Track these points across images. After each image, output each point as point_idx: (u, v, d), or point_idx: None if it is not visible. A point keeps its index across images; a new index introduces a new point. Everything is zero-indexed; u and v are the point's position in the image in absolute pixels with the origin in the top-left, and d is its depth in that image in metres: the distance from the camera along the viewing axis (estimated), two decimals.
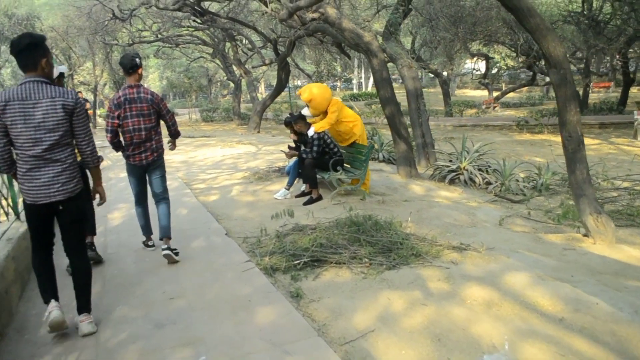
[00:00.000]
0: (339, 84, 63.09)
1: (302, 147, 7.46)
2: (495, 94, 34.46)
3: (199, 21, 18.20)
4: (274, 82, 58.40)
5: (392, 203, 7.02)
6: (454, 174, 8.88)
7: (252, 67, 22.20)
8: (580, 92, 25.20)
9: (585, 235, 5.14)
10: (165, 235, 4.80)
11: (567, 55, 19.91)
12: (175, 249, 4.83)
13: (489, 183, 8.80)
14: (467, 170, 8.88)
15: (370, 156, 8.00)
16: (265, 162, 11.07)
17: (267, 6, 7.60)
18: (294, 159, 7.61)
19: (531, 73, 28.72)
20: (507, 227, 6.08)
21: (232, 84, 48.35)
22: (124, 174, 10.16)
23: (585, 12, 20.19)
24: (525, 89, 37.86)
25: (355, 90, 53.51)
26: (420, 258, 4.44)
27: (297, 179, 7.54)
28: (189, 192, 8.22)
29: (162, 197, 4.96)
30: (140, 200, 5.05)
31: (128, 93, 4.58)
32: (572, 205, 6.96)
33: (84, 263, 3.48)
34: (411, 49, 27.33)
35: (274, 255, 4.66)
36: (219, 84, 47.42)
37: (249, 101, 42.28)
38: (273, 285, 4.00)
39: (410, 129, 10.00)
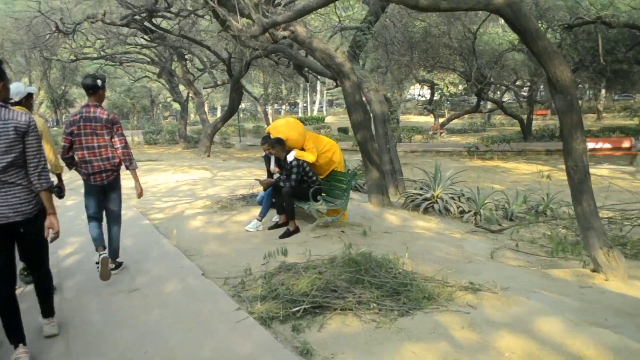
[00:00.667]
0: (283, 107, 62.98)
1: (277, 175, 6.93)
2: (440, 120, 35.17)
3: (147, 38, 17.37)
4: (219, 104, 57.28)
5: (373, 235, 6.58)
6: (428, 202, 8.57)
7: (203, 88, 21.41)
8: (525, 120, 25.99)
9: (594, 270, 4.87)
10: (114, 255, 5.11)
11: (514, 83, 20.38)
12: (119, 263, 5.17)
13: (463, 212, 8.56)
14: (441, 199, 8.59)
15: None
16: (225, 189, 10.42)
17: (237, 22, 7.08)
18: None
19: (474, 100, 29.56)
20: (500, 261, 5.76)
21: (175, 106, 47.28)
22: (71, 200, 9.32)
23: None
24: (467, 115, 38.86)
25: (300, 114, 53.40)
26: (433, 301, 3.99)
27: (270, 209, 6.97)
28: (148, 223, 7.48)
29: (117, 217, 5.09)
30: (95, 218, 4.99)
31: (84, 111, 4.68)
32: (564, 237, 6.79)
33: (45, 273, 3.60)
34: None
35: (266, 300, 4.08)
36: (160, 105, 46.05)
37: (193, 123, 41.22)
38: (276, 340, 3.43)
39: None
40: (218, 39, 18.54)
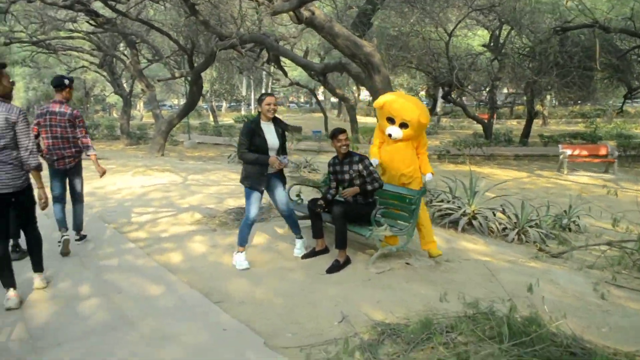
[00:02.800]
0: (224, 104, 60.42)
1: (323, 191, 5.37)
2: None
3: (93, 23, 15.09)
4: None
5: (441, 267, 5.17)
6: (465, 218, 7.28)
7: (158, 80, 19.23)
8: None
9: None
10: (78, 228, 5.83)
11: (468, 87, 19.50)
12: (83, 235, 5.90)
13: (505, 229, 7.35)
14: (480, 214, 7.33)
15: None
16: (209, 198, 8.68)
17: None
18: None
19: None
20: (619, 303, 4.51)
21: (109, 99, 43.93)
22: None
23: (492, 46, 20.34)
24: None
25: (243, 112, 51.06)
26: None
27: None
28: (134, 247, 5.71)
29: (79, 199, 5.74)
30: (60, 200, 5.59)
31: (51, 106, 5.38)
32: None
33: (33, 231, 4.28)
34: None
35: None
36: (92, 99, 42.56)
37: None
38: None
39: None
40: (170, 28, 16.60)
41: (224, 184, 10.27)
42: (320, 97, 42.79)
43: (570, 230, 8.40)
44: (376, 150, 5.58)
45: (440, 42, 19.16)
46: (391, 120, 5.21)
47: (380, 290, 4.26)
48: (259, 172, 4.95)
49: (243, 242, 5.11)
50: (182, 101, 52.55)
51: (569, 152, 17.17)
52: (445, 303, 3.94)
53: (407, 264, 5.02)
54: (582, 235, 8.36)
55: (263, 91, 51.17)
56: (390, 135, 5.25)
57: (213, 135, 30.53)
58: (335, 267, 4.84)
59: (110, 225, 6.70)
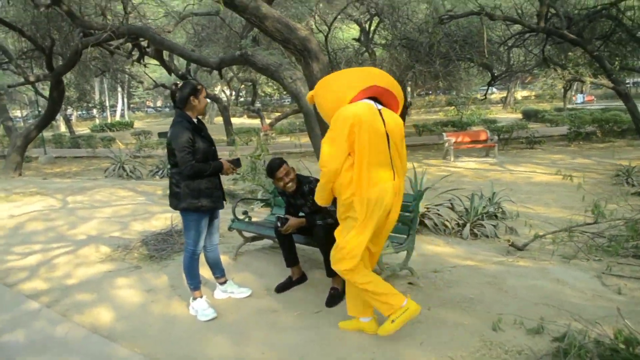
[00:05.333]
0: (75, 113, 55.11)
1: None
2: (267, 120, 33.52)
3: None
4: None
5: (440, 281, 4.41)
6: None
7: (8, 87, 16.23)
8: None
9: None
10: None
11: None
12: None
13: (458, 225, 6.87)
14: (429, 211, 6.77)
15: None
16: (108, 224, 7.10)
17: None
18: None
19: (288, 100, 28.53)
20: None
21: None
22: None
23: (361, 40, 20.55)
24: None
25: (98, 121, 46.56)
26: None
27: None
28: (38, 306, 4.20)
29: None
30: None
31: None
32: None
33: None
34: (186, 70, 24.63)
35: None
36: None
37: None
38: None
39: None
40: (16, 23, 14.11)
41: (118, 204, 8.63)
42: None
43: (497, 217, 8.18)
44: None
45: (319, 35, 18.77)
46: None
47: (407, 326, 3.36)
48: (214, 186, 3.82)
49: (197, 283, 3.92)
50: (26, 112, 46.84)
51: (453, 139, 17.62)
52: (500, 332, 3.19)
53: (410, 284, 4.18)
54: (511, 220, 8.20)
55: (119, 97, 47.38)
56: None
57: (71, 147, 27.35)
58: (336, 297, 3.86)
59: None
